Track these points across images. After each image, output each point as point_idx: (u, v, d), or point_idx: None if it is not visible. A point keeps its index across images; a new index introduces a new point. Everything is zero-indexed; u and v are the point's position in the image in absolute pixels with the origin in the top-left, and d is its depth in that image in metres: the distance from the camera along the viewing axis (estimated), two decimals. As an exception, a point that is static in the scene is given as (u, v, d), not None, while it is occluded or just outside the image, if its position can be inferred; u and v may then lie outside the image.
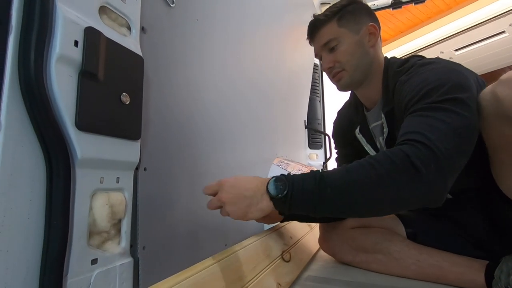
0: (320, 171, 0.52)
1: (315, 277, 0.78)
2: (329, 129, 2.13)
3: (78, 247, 0.40)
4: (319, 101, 2.09)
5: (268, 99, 1.28)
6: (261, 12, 1.20)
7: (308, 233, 1.08)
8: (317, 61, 2.06)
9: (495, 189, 0.63)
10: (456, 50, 3.56)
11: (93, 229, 0.43)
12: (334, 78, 0.80)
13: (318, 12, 2.00)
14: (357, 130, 0.91)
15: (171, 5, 0.67)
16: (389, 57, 0.81)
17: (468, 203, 0.74)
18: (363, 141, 0.90)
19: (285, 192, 0.50)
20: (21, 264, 0.34)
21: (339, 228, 0.86)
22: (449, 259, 0.70)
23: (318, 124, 2.04)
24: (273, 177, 0.53)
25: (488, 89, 0.57)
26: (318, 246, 1.03)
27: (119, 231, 0.48)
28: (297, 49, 1.67)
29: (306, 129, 1.92)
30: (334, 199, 0.49)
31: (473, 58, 3.67)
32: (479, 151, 0.63)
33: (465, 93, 0.56)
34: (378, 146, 0.86)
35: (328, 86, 2.19)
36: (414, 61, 0.71)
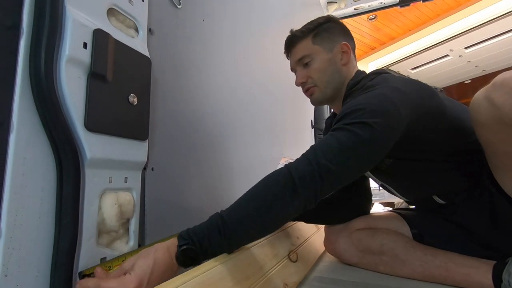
0: (220, 214, 0.52)
1: (322, 277, 0.77)
2: (336, 129, 2.11)
3: (88, 246, 0.40)
4: (326, 101, 2.07)
5: (275, 99, 1.28)
6: (267, 12, 1.20)
7: (315, 233, 1.08)
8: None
9: (499, 192, 0.63)
10: (466, 47, 3.49)
11: (102, 228, 0.44)
12: (306, 93, 0.84)
13: (325, 11, 1.99)
14: None
15: (178, 6, 0.68)
16: (361, 70, 0.82)
17: (466, 205, 0.73)
18: None
19: (195, 261, 0.48)
20: (32, 261, 0.35)
21: (344, 230, 0.85)
22: (455, 260, 0.69)
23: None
24: (178, 243, 0.48)
25: (481, 95, 0.56)
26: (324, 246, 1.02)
27: (127, 230, 0.48)
28: (304, 49, 1.67)
29: (313, 129, 1.91)
30: (241, 240, 0.53)
31: (485, 55, 3.60)
32: (469, 156, 0.66)
33: (376, 118, 0.58)
34: None
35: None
36: (363, 83, 0.73)
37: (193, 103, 0.73)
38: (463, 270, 0.67)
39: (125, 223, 0.48)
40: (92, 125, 0.41)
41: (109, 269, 0.44)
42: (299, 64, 0.82)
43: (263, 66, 1.17)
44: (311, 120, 1.89)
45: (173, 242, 0.48)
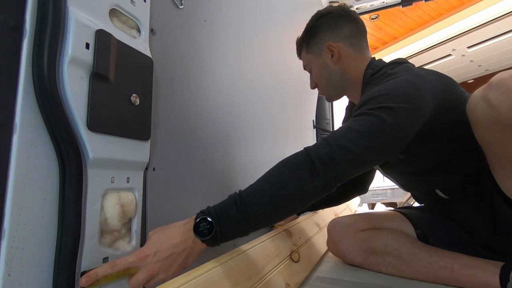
0: (238, 192, 0.52)
1: (324, 278, 0.77)
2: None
3: (90, 246, 0.40)
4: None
5: (277, 99, 1.28)
6: (269, 12, 1.20)
7: (317, 233, 1.08)
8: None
9: (498, 193, 0.62)
10: (469, 47, 3.47)
11: (105, 228, 0.44)
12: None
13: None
14: None
15: (180, 7, 0.68)
16: (376, 58, 0.82)
17: (469, 203, 0.72)
18: None
19: (213, 232, 0.48)
20: (35, 261, 0.35)
21: (348, 230, 0.85)
22: (461, 261, 0.69)
23: (327, 123, 2.02)
24: (195, 218, 0.49)
25: (479, 95, 0.55)
26: (327, 246, 1.02)
27: (129, 230, 0.49)
28: (305, 49, 1.66)
29: (315, 129, 1.91)
30: (258, 216, 0.50)
31: (488, 55, 3.58)
32: (471, 151, 0.64)
33: (401, 103, 0.57)
34: None
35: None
36: (384, 71, 0.72)
37: (195, 103, 0.73)
38: (469, 271, 0.66)
39: (127, 223, 0.48)
40: (94, 125, 0.41)
41: None
42: (307, 71, 0.91)
43: (264, 66, 1.17)
44: (313, 120, 1.89)
45: (191, 218, 0.50)
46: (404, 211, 0.88)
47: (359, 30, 0.82)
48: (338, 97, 0.89)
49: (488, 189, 0.66)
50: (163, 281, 0.46)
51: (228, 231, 0.49)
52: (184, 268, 0.48)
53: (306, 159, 0.52)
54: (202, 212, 0.50)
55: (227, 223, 0.49)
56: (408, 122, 0.57)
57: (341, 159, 0.52)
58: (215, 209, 0.50)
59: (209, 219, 0.48)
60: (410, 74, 0.65)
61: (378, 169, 0.89)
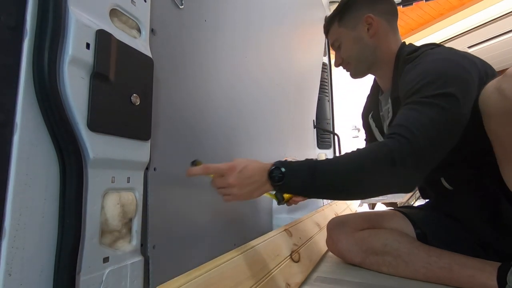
0: (315, 160, 0.59)
1: (325, 278, 0.77)
2: (338, 129, 2.11)
3: (91, 246, 0.40)
4: (328, 101, 2.07)
5: (277, 99, 1.28)
6: (269, 12, 1.20)
7: (317, 233, 1.08)
8: (325, 60, 2.05)
9: (503, 189, 0.62)
10: (469, 47, 3.47)
11: (105, 228, 0.44)
12: (345, 70, 0.90)
13: (327, 11, 1.99)
14: (370, 115, 0.97)
15: (180, 7, 0.68)
16: (407, 42, 0.83)
17: (472, 197, 0.72)
18: (372, 125, 0.96)
19: (282, 181, 0.57)
20: (36, 261, 0.35)
21: (347, 230, 0.85)
22: (460, 261, 0.68)
23: (327, 123, 2.02)
24: (274, 164, 0.59)
25: (492, 86, 0.55)
26: (326, 246, 1.02)
27: (130, 230, 0.49)
28: (306, 49, 1.66)
29: (315, 129, 1.91)
30: (323, 188, 0.58)
31: (488, 54, 3.58)
32: (479, 143, 0.64)
33: (457, 87, 0.57)
34: (385, 130, 0.90)
35: (337, 85, 2.17)
36: (424, 50, 0.72)
37: (195, 103, 0.73)
38: (468, 271, 0.66)
39: (128, 223, 0.48)
40: (95, 125, 0.41)
41: None
42: (334, 48, 0.89)
43: (265, 66, 1.17)
44: (314, 120, 1.89)
45: (268, 163, 0.61)
46: (404, 210, 0.87)
47: (395, 11, 0.84)
48: (364, 73, 0.88)
49: (493, 184, 0.66)
50: (234, 196, 0.60)
51: (292, 188, 0.58)
52: (250, 197, 0.61)
53: (388, 156, 0.53)
54: (279, 161, 0.60)
55: (294, 181, 0.57)
56: (466, 107, 0.58)
57: (421, 157, 0.54)
58: (291, 165, 0.58)
59: (282, 169, 0.58)
60: (454, 54, 0.65)
61: None
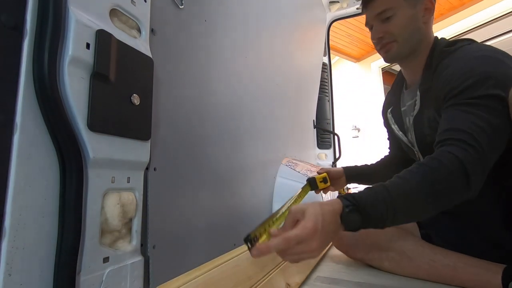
0: (388, 191, 0.52)
1: (325, 277, 0.77)
2: (338, 129, 2.11)
3: (91, 245, 0.40)
4: (328, 101, 2.07)
5: (277, 99, 1.28)
6: (269, 12, 1.20)
7: (317, 233, 1.07)
8: (325, 60, 2.05)
9: None
10: (469, 47, 3.46)
11: (105, 227, 0.44)
12: (382, 49, 0.80)
13: (327, 11, 1.99)
14: (389, 110, 0.94)
15: (180, 7, 0.68)
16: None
17: (484, 198, 0.71)
18: (391, 120, 0.92)
19: (358, 224, 0.51)
20: (36, 261, 0.35)
21: None
22: (464, 260, 0.68)
23: (327, 123, 2.02)
24: (344, 205, 0.51)
25: None
26: (327, 246, 1.02)
27: (130, 230, 0.49)
28: (306, 49, 1.66)
29: (315, 129, 1.91)
30: (401, 220, 0.53)
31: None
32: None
33: (504, 87, 0.56)
34: (406, 126, 0.87)
35: (337, 85, 2.17)
36: (462, 44, 0.70)
37: (195, 103, 0.73)
38: (472, 270, 0.66)
39: (128, 223, 0.48)
40: (95, 125, 0.41)
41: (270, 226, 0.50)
42: (378, 19, 0.78)
43: (265, 66, 1.17)
44: (314, 120, 1.89)
45: (337, 201, 0.51)
46: None
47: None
48: (403, 58, 0.80)
49: (508, 183, 0.66)
50: (313, 256, 0.49)
51: (367, 227, 0.52)
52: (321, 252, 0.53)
53: (461, 171, 0.52)
54: (347, 200, 0.52)
55: (373, 222, 0.52)
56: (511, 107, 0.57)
57: (486, 164, 0.54)
58: (364, 205, 0.51)
59: (358, 212, 0.51)
60: (496, 52, 0.63)
61: (408, 146, 0.87)
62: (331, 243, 0.54)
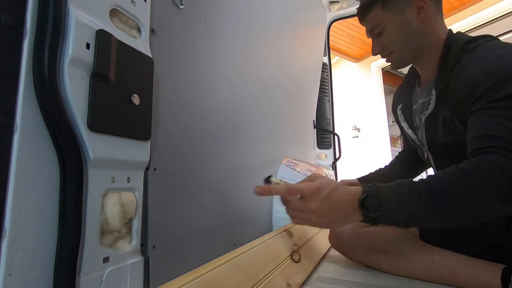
0: (416, 187, 0.51)
1: (325, 278, 0.77)
2: (338, 129, 2.11)
3: (91, 246, 0.40)
4: (328, 101, 2.07)
5: (277, 99, 1.28)
6: (269, 12, 1.20)
7: (318, 233, 1.07)
8: (325, 60, 2.05)
9: None
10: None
11: (105, 228, 0.44)
12: (386, 60, 0.81)
13: (327, 11, 1.99)
14: (399, 107, 0.92)
15: (180, 7, 0.68)
16: (455, 31, 0.78)
17: None
18: (401, 117, 0.90)
19: (378, 212, 0.49)
20: (36, 261, 0.35)
21: (351, 226, 0.84)
22: (464, 261, 0.68)
23: (327, 123, 2.02)
24: (364, 191, 0.51)
25: None
26: (328, 246, 1.02)
27: (130, 230, 0.49)
28: (306, 49, 1.66)
29: (315, 129, 1.91)
30: (427, 218, 0.51)
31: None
32: None
33: None
34: (416, 123, 0.85)
35: (337, 85, 2.17)
36: (482, 42, 0.68)
37: (195, 103, 0.73)
38: (472, 271, 0.66)
39: (128, 223, 0.48)
40: (95, 125, 0.41)
41: None
42: (372, 34, 0.80)
43: (265, 66, 1.17)
44: (314, 120, 1.89)
45: (358, 187, 0.52)
46: None
47: None
48: (408, 63, 0.80)
49: None
50: (309, 222, 0.52)
51: (390, 220, 0.50)
52: (329, 226, 0.56)
53: (505, 176, 0.49)
54: (369, 187, 0.51)
55: (393, 214, 0.50)
56: None
57: None
58: (388, 195, 0.50)
59: (379, 199, 0.50)
60: None
61: (422, 151, 0.85)
62: (339, 225, 0.53)
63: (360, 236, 0.81)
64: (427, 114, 0.77)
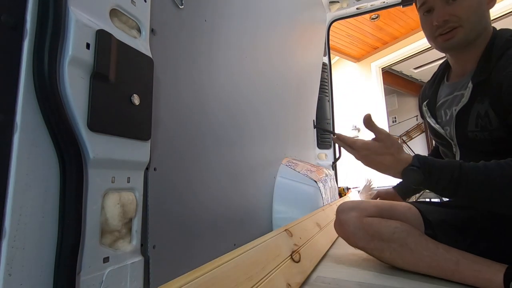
0: (459, 166, 0.57)
1: (325, 277, 0.77)
2: (338, 129, 2.11)
3: (91, 246, 0.40)
4: (328, 101, 2.07)
5: (277, 99, 1.28)
6: (269, 12, 1.20)
7: (318, 233, 1.07)
8: (325, 60, 2.05)
9: None
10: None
11: (105, 228, 0.44)
12: (445, 35, 0.73)
13: (327, 11, 1.99)
14: (425, 103, 0.91)
15: (180, 7, 0.68)
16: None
17: None
18: (427, 114, 0.90)
19: (419, 183, 0.58)
20: (36, 261, 0.35)
21: (357, 214, 0.83)
22: (467, 256, 0.67)
23: (327, 123, 2.02)
24: (410, 165, 0.61)
25: None
26: (328, 246, 1.02)
27: (130, 230, 0.48)
28: (306, 49, 1.66)
29: (315, 129, 1.91)
30: (464, 195, 0.57)
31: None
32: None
33: None
34: (440, 119, 0.84)
35: (337, 85, 2.17)
36: None
37: (195, 103, 0.73)
38: (475, 266, 0.65)
39: (128, 223, 0.48)
40: (95, 125, 0.41)
41: None
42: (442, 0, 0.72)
43: (265, 66, 1.17)
44: (314, 120, 1.89)
45: (405, 157, 0.63)
46: (420, 206, 0.85)
47: None
48: (465, 45, 0.73)
49: None
50: (381, 165, 0.65)
51: (428, 191, 0.58)
52: (389, 171, 0.65)
53: None
54: (417, 158, 0.61)
55: (432, 186, 0.58)
56: None
57: None
58: (430, 168, 0.59)
59: (421, 173, 0.59)
60: None
61: (446, 145, 0.84)
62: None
63: (365, 224, 0.80)
64: (458, 109, 0.75)
